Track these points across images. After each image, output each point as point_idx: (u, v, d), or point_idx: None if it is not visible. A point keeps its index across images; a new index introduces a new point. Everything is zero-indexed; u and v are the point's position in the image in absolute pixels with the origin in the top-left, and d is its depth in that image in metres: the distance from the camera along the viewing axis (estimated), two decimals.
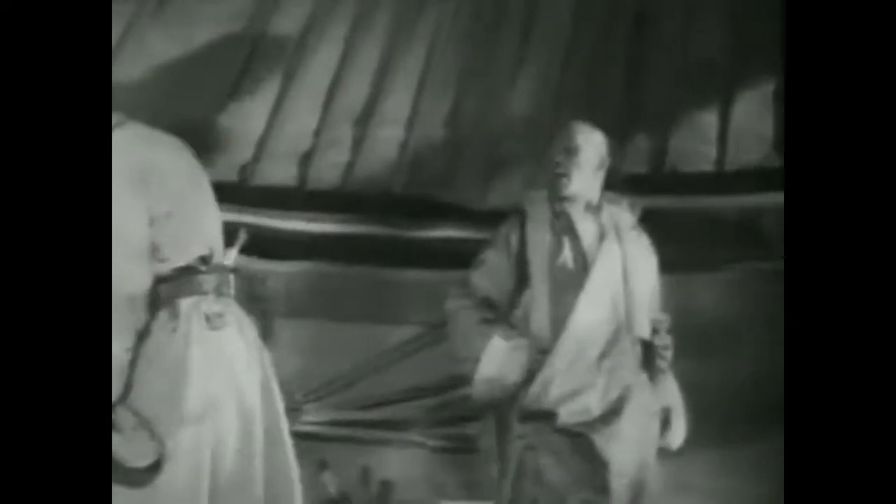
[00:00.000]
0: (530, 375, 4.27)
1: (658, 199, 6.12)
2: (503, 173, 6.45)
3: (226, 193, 6.19)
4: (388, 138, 6.38)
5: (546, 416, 4.28)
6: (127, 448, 2.94)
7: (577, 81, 6.35)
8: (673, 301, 4.68)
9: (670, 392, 4.43)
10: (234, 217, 6.22)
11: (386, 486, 6.38)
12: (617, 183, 6.21)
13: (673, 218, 5.98)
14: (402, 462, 6.44)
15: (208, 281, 3.35)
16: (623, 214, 4.51)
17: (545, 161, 4.51)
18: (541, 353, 4.28)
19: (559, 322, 4.31)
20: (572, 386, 4.27)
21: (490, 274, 4.45)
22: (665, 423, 4.43)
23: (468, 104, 6.41)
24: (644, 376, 4.40)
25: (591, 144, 4.47)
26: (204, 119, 5.96)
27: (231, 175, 6.26)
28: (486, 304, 4.43)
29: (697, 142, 6.59)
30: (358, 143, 6.36)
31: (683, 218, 6.24)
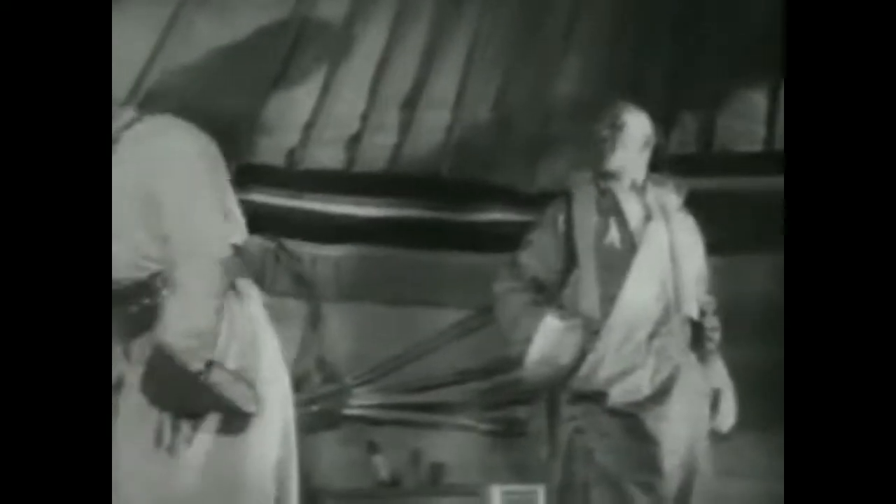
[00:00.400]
0: (582, 356, 4.28)
1: (706, 179, 6.08)
2: (550, 155, 6.43)
3: (273, 178, 6.28)
4: (434, 121, 6.37)
5: (596, 397, 4.30)
6: (237, 395, 3.14)
7: (625, 61, 6.32)
8: (721, 284, 4.67)
9: (719, 374, 4.45)
10: (282, 202, 6.29)
11: (436, 469, 6.39)
12: (664, 163, 6.20)
13: (721, 199, 5.94)
14: (452, 445, 6.44)
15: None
16: (669, 196, 4.53)
17: (590, 137, 4.52)
18: (593, 333, 4.28)
19: (608, 302, 4.33)
20: (622, 366, 4.29)
21: (538, 254, 4.47)
22: (714, 405, 4.41)
23: (515, 86, 6.39)
24: (693, 356, 4.38)
25: (637, 122, 4.51)
26: (251, 104, 5.97)
27: (278, 160, 6.27)
28: (535, 284, 4.46)
29: (746, 121, 6.55)
30: (405, 127, 6.35)
31: (732, 199, 6.20)
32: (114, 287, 3.19)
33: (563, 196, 4.55)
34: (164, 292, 3.21)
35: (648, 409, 4.29)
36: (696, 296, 4.45)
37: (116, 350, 3.25)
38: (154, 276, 3.25)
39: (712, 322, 4.47)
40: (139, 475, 3.16)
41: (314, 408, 5.65)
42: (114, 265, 3.18)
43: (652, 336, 4.33)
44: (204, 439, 3.16)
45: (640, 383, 4.29)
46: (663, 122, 6.54)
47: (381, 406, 6.39)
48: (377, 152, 6.41)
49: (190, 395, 3.13)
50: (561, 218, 4.47)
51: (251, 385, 3.20)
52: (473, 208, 6.64)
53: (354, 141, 6.32)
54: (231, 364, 3.19)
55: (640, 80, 6.26)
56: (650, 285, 4.35)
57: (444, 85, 6.30)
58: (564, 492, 4.36)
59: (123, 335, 3.27)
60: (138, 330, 3.26)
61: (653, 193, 4.49)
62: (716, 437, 4.47)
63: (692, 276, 4.43)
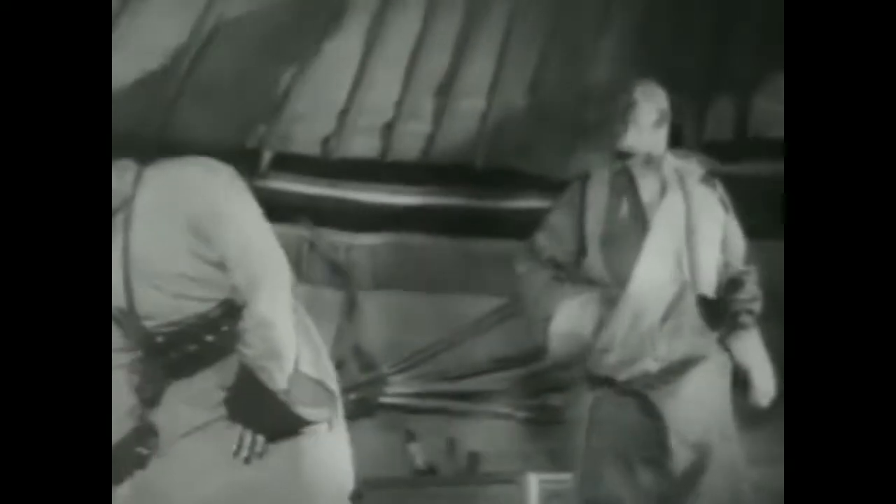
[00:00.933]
0: (602, 325, 4.26)
1: (742, 165, 6.06)
2: (585, 141, 6.41)
3: (308, 167, 6.28)
4: (469, 108, 6.37)
5: (608, 382, 4.28)
6: (318, 411, 3.23)
7: (660, 46, 6.28)
8: (757, 268, 4.62)
9: (751, 348, 4.33)
10: (316, 190, 6.30)
11: (473, 457, 6.39)
12: (699, 148, 6.17)
13: (758, 184, 5.90)
14: (488, 433, 6.45)
15: None
16: (689, 167, 4.46)
17: (606, 119, 4.52)
18: (609, 302, 4.26)
19: (619, 279, 4.27)
20: (632, 351, 4.25)
21: (554, 235, 4.46)
22: (744, 382, 4.34)
23: (549, 72, 6.37)
24: (712, 336, 4.33)
25: (649, 99, 4.44)
26: (285, 93, 5.98)
27: (314, 149, 6.28)
28: (553, 264, 4.43)
29: (782, 106, 6.50)
30: (439, 114, 6.35)
31: (768, 184, 6.15)
32: (157, 339, 3.28)
33: (581, 178, 4.52)
34: (234, 322, 3.26)
35: (657, 388, 4.24)
36: (716, 271, 4.36)
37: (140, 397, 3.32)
38: (218, 306, 3.29)
39: (750, 292, 4.38)
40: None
41: (351, 396, 5.65)
42: (152, 317, 3.27)
43: (665, 317, 4.26)
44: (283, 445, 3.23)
45: (650, 367, 4.24)
46: (698, 107, 6.53)
47: (418, 394, 6.40)
48: (411, 140, 6.41)
49: (275, 414, 3.19)
50: (577, 198, 4.45)
51: (330, 391, 3.28)
52: (508, 196, 6.64)
53: (388, 129, 6.32)
54: (306, 370, 3.24)
55: (676, 65, 6.22)
56: (664, 263, 4.28)
57: (478, 72, 6.30)
58: (584, 466, 4.35)
59: (159, 380, 3.33)
60: (192, 369, 3.31)
61: (671, 166, 4.42)
62: (746, 422, 4.42)
63: (711, 252, 4.35)
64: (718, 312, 4.34)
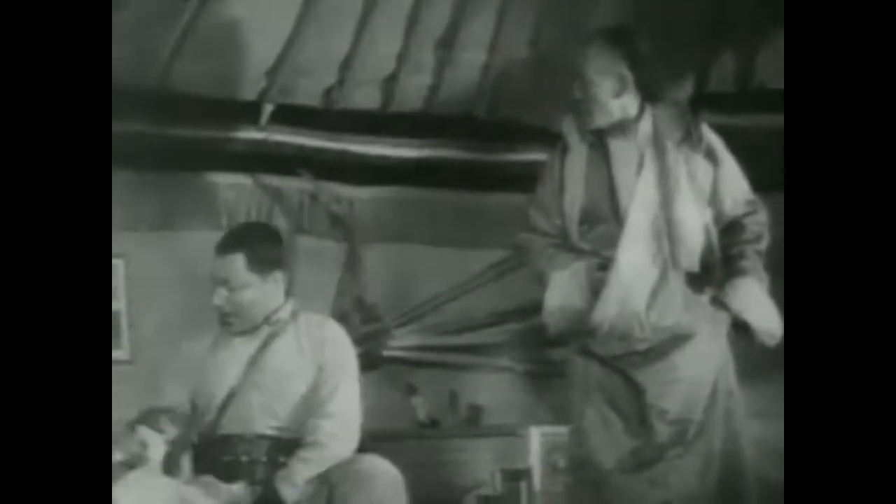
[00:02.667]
0: (595, 293, 4.29)
1: (745, 117, 6.03)
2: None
3: (310, 119, 6.25)
4: (471, 61, 6.33)
5: (598, 358, 4.35)
6: None
7: None
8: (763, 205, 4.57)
9: (746, 296, 4.29)
10: (318, 143, 6.28)
11: (475, 410, 6.39)
12: (702, 100, 6.14)
13: (762, 137, 5.88)
14: (490, 387, 6.45)
15: None
16: (668, 127, 4.37)
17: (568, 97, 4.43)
18: (600, 271, 4.27)
19: (600, 255, 4.30)
20: (620, 332, 4.28)
21: (541, 210, 4.48)
22: (745, 330, 4.34)
23: (551, 24, 6.33)
24: (702, 305, 4.32)
25: (603, 72, 4.33)
26: (287, 44, 5.94)
27: (315, 100, 6.25)
28: (548, 236, 4.46)
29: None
30: (441, 67, 6.32)
31: (771, 136, 6.13)
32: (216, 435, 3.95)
33: (559, 147, 4.50)
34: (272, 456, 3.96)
35: (642, 367, 4.28)
36: (703, 235, 4.32)
37: None
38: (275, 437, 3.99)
39: (752, 232, 4.34)
40: None
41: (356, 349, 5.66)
42: (231, 420, 3.96)
43: (650, 299, 4.27)
44: None
45: (636, 347, 4.27)
46: (701, 58, 6.50)
47: (420, 348, 6.40)
48: (413, 92, 6.38)
49: None
50: (556, 170, 4.44)
51: None
52: (510, 148, 6.61)
53: (390, 81, 6.29)
54: None
55: (679, 17, 6.18)
56: (645, 247, 4.27)
57: (480, 24, 6.26)
58: (575, 433, 4.45)
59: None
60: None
61: (648, 130, 4.34)
62: (746, 381, 4.43)
63: (694, 220, 4.30)
64: (710, 271, 4.33)
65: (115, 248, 5.77)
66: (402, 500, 3.80)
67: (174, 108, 5.90)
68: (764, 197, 4.45)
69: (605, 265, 4.28)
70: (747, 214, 4.37)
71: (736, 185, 4.38)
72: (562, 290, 4.33)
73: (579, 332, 4.37)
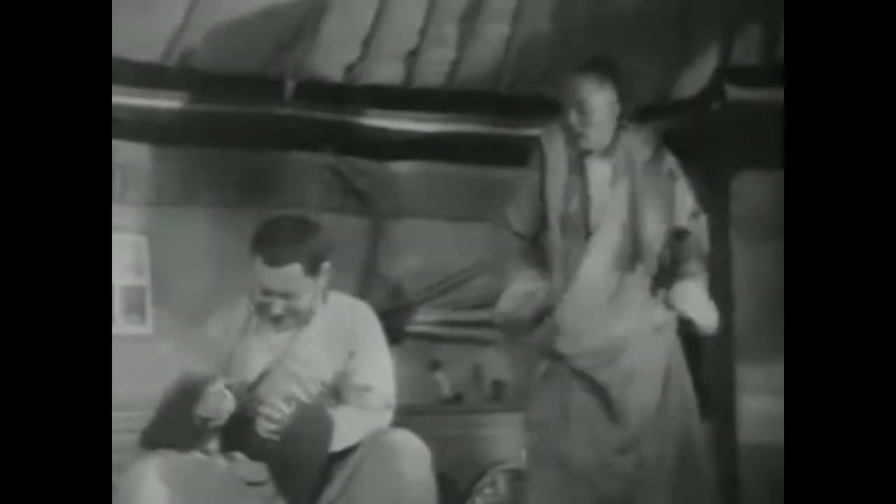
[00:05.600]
0: (542, 314, 4.63)
1: (771, 91, 6.00)
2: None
3: (332, 95, 6.24)
4: (493, 34, 6.31)
5: (558, 357, 4.61)
6: None
7: None
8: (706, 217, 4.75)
9: (685, 296, 4.59)
10: (341, 118, 6.27)
11: (498, 385, 6.40)
12: (728, 75, 6.10)
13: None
14: (513, 361, 6.44)
15: None
16: (638, 145, 4.67)
17: (559, 117, 4.64)
18: (553, 297, 4.60)
19: (570, 269, 4.60)
20: (579, 331, 4.58)
21: (520, 213, 4.74)
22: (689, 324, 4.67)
23: None
24: (656, 308, 4.63)
25: (600, 97, 4.59)
26: (310, 20, 5.93)
27: (337, 75, 6.24)
28: (520, 237, 4.75)
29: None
30: (463, 41, 6.30)
31: None
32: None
33: (538, 154, 4.71)
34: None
35: (601, 365, 4.56)
36: (662, 243, 4.63)
37: None
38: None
39: (695, 240, 4.67)
40: None
41: None
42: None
43: (609, 301, 4.57)
44: None
45: (593, 344, 4.55)
46: (726, 32, 6.46)
47: (443, 323, 6.40)
48: (435, 67, 6.36)
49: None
50: (536, 180, 4.68)
51: None
52: (532, 123, 6.58)
53: (413, 56, 6.28)
54: None
55: None
56: (610, 255, 4.58)
57: None
58: (536, 425, 4.70)
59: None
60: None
61: (622, 149, 4.65)
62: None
63: (656, 229, 4.61)
64: (666, 273, 4.66)
65: (138, 224, 5.84)
66: (429, 474, 3.79)
67: (197, 84, 5.91)
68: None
69: (558, 292, 4.61)
70: (692, 222, 4.70)
71: (686, 199, 4.70)
72: (516, 302, 4.68)
73: (519, 336, 4.80)
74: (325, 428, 3.84)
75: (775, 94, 5.84)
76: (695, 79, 6.48)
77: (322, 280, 4.05)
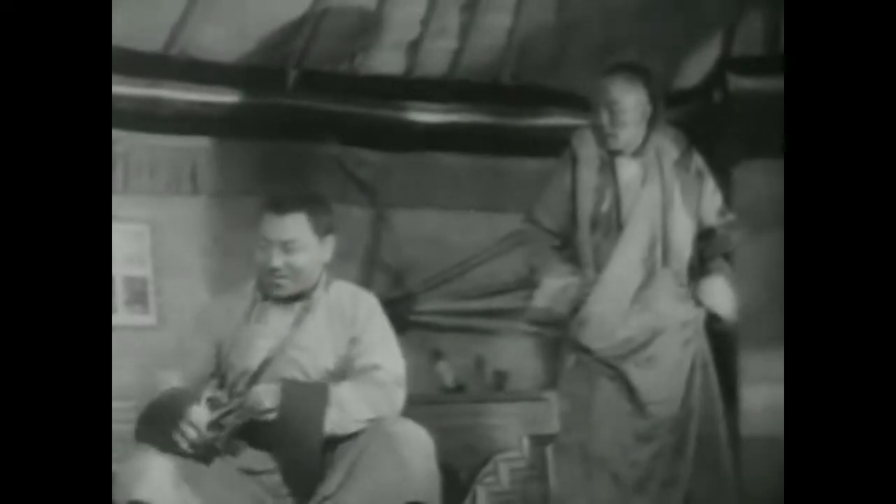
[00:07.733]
0: (578, 308, 4.75)
1: (772, 80, 5.99)
2: (614, 59, 6.34)
3: (335, 84, 6.24)
4: (495, 24, 6.31)
5: (585, 350, 4.75)
6: None
7: None
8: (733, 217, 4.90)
9: (711, 291, 4.77)
10: (343, 108, 6.27)
11: (500, 375, 6.40)
12: (729, 65, 6.10)
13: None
14: (515, 352, 6.46)
15: None
16: (667, 145, 4.80)
17: (590, 117, 4.79)
18: (586, 291, 4.71)
19: (601, 265, 4.72)
20: (606, 325, 4.71)
21: (548, 211, 4.86)
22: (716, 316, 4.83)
23: None
24: (684, 302, 4.76)
25: (631, 98, 4.68)
26: (312, 9, 5.93)
27: (339, 65, 6.23)
28: (550, 234, 4.87)
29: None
30: (465, 31, 6.30)
31: None
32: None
33: (571, 157, 4.82)
34: None
35: (628, 357, 4.68)
36: (692, 240, 4.79)
37: None
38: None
39: (721, 238, 4.84)
40: None
41: None
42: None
43: (636, 296, 4.70)
44: None
45: (620, 337, 4.68)
46: (730, 22, 6.45)
47: (446, 312, 6.40)
48: (437, 57, 6.36)
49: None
50: (567, 178, 4.80)
51: None
52: (535, 113, 6.60)
53: (414, 45, 6.28)
54: None
55: None
56: (639, 251, 4.71)
57: None
58: (562, 416, 4.86)
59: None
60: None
61: (652, 149, 4.76)
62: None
63: (685, 228, 4.76)
64: (693, 269, 4.83)
65: (140, 214, 5.85)
66: (432, 464, 3.80)
67: (199, 73, 5.91)
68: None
69: (592, 283, 4.73)
70: (719, 225, 4.86)
71: (715, 198, 4.86)
72: (551, 297, 4.80)
73: (555, 326, 4.93)
74: (320, 397, 3.83)
75: (777, 84, 5.90)
76: (696, 69, 6.48)
77: (325, 250, 4.05)
